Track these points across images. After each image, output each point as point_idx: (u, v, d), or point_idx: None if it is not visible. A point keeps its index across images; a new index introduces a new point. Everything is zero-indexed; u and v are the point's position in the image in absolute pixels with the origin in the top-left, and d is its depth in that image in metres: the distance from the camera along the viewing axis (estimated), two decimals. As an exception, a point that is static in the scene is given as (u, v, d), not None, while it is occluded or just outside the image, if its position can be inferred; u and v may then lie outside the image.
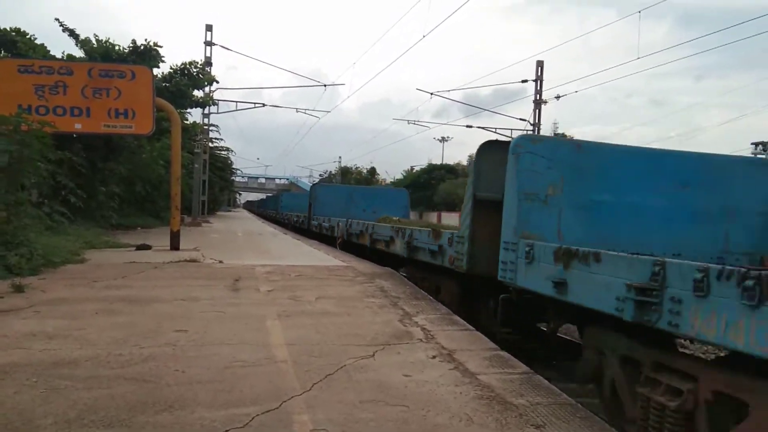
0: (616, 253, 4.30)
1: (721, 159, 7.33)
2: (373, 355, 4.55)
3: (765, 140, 47.63)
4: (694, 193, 6.41)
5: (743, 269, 3.05)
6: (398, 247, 9.95)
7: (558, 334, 6.75)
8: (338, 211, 18.20)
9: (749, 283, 2.88)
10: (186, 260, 10.36)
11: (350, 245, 14.09)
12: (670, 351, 3.92)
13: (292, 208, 30.14)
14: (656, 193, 6.39)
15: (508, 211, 6.00)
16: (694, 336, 3.36)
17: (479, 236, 6.70)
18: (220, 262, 10.46)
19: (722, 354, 4.10)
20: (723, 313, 3.07)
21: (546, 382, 4.19)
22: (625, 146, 7.14)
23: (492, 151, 6.75)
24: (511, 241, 5.74)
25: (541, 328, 7.27)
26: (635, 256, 4.09)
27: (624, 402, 4.16)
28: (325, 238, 17.43)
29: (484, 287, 6.99)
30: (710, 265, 3.31)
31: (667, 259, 3.64)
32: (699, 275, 3.27)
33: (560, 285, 4.70)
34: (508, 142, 6.41)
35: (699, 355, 5.35)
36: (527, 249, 5.36)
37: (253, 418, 3.13)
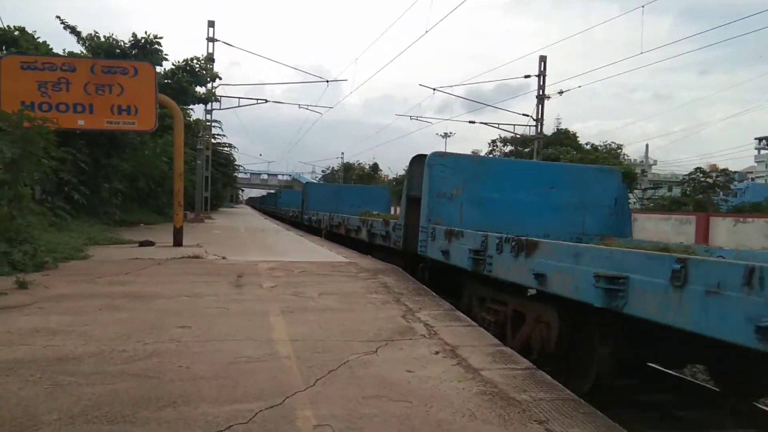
0: (471, 231, 6.95)
1: (578, 167, 11.73)
2: (376, 350, 4.56)
3: (768, 135, 47.47)
4: (558, 192, 8.97)
5: (514, 238, 5.69)
6: (363, 235, 12.69)
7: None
8: (327, 206, 20.89)
9: (514, 244, 5.57)
10: (189, 256, 10.38)
11: (332, 235, 17.05)
12: (497, 290, 6.37)
13: (289, 204, 33.81)
14: (531, 192, 8.90)
15: (424, 205, 8.59)
16: (497, 276, 6.08)
17: (410, 223, 9.16)
18: (223, 258, 10.48)
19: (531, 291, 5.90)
20: (506, 262, 5.75)
21: (549, 377, 4.19)
22: (509, 159, 14.68)
23: (419, 162, 9.06)
24: (425, 226, 8.41)
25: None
26: (477, 232, 6.73)
27: (479, 321, 6.28)
28: (313, 229, 20.33)
29: (416, 260, 9.17)
30: (503, 235, 6.03)
31: (488, 233, 6.39)
32: (497, 241, 5.96)
33: (446, 253, 7.42)
34: (428, 156, 8.93)
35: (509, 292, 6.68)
36: (431, 231, 8.12)
37: (256, 414, 3.14)
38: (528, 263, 5.30)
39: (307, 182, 37.59)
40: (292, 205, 31.17)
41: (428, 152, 8.90)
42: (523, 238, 5.63)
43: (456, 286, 7.85)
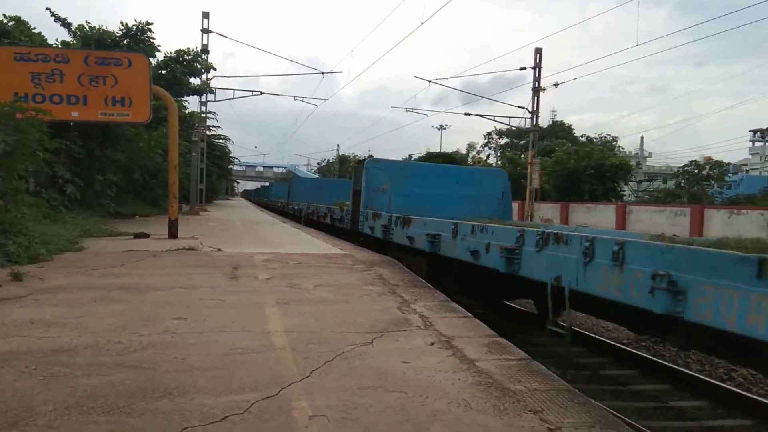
0: (385, 213, 10.64)
1: (478, 170, 18.92)
2: (372, 342, 4.57)
3: (763, 127, 47.59)
4: (463, 187, 12.49)
5: (402, 216, 9.49)
6: (328, 219, 16.90)
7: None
8: (310, 198, 24.86)
9: (401, 220, 9.47)
10: (184, 248, 10.37)
11: (309, 221, 20.90)
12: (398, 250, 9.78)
13: (279, 196, 38.91)
14: (443, 187, 12.35)
15: (363, 196, 12.16)
16: (394, 241, 9.76)
17: (354, 210, 12.82)
18: (219, 250, 10.47)
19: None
20: (398, 232, 9.57)
21: (543, 368, 4.20)
22: (428, 163, 21.63)
23: (361, 165, 13.01)
24: (363, 211, 12.10)
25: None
26: (387, 214, 10.50)
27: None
28: (296, 218, 24.38)
29: (359, 236, 12.59)
30: (394, 215, 10.00)
31: (392, 215, 10.15)
32: (395, 219, 9.78)
33: (372, 228, 11.13)
34: (365, 162, 13.08)
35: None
36: (365, 215, 11.79)
37: (252, 405, 3.15)
38: (405, 231, 9.21)
39: (292, 177, 40.81)
40: (282, 197, 35.54)
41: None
42: (406, 216, 9.40)
43: (380, 250, 10.89)
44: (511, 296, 9.55)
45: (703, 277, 3.67)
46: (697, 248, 3.91)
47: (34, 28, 16.64)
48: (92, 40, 16.49)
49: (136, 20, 17.38)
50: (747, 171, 69.24)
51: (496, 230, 6.57)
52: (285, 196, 32.54)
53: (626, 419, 5.03)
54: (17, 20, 16.38)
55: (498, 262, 6.10)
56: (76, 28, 17.23)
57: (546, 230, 5.84)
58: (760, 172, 64.36)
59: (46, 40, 16.58)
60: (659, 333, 5.75)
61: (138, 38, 16.96)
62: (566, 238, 5.22)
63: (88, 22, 17.32)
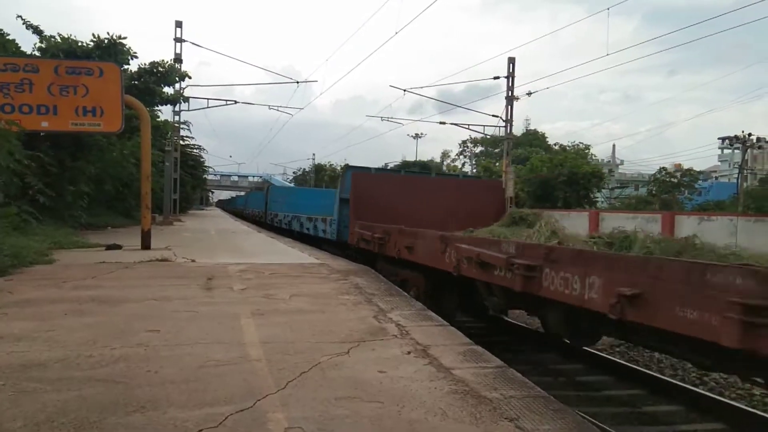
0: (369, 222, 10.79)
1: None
2: (348, 352, 4.55)
3: (731, 135, 48.64)
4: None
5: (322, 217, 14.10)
6: (311, 230, 16.34)
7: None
8: (286, 207, 25.21)
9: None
10: (157, 259, 10.25)
11: (282, 230, 21.99)
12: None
13: (255, 206, 37.89)
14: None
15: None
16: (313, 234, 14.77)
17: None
18: (193, 261, 10.37)
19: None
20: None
21: (519, 375, 4.23)
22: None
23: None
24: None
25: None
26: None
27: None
28: (273, 228, 24.60)
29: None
30: (317, 216, 15.35)
31: (313, 215, 16.02)
32: (307, 218, 16.43)
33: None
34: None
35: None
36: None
37: (227, 418, 3.11)
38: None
39: (269, 186, 39.33)
40: (258, 206, 34.10)
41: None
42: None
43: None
44: None
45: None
46: None
47: (8, 35, 16.39)
48: (61, 50, 16.26)
49: (108, 33, 17.22)
50: (716, 178, 70.65)
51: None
52: (262, 206, 31.55)
53: (601, 425, 5.08)
54: None
55: None
56: (44, 38, 16.96)
57: None
58: (729, 179, 65.64)
59: (20, 47, 16.34)
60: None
61: (110, 51, 16.76)
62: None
63: (59, 33, 17.10)
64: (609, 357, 8.11)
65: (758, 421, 5.85)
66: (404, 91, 33.66)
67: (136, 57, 17.73)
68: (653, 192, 42.03)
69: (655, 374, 7.38)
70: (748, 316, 3.05)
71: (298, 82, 31.05)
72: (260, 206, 32.70)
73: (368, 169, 14.09)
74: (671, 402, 6.49)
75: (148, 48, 27.46)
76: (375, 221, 10.52)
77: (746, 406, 6.51)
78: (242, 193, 69.21)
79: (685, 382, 7.30)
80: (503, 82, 32.22)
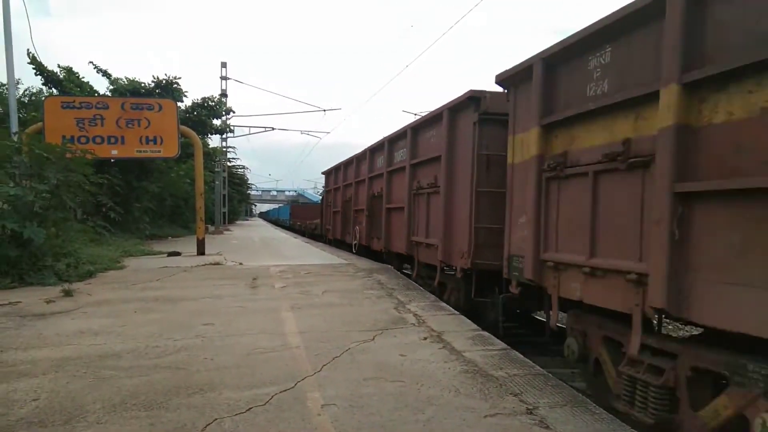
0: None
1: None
2: (373, 338, 4.54)
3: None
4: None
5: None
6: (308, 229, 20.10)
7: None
8: (305, 216, 29.36)
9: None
10: (211, 263, 10.32)
11: (302, 233, 25.89)
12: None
13: (285, 216, 45.06)
14: None
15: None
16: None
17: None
18: (240, 264, 10.42)
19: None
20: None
21: (521, 356, 4.19)
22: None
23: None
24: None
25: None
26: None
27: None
28: (297, 231, 29.48)
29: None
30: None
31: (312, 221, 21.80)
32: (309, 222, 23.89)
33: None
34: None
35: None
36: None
37: (272, 397, 3.12)
38: None
39: (291, 202, 45.88)
40: (285, 216, 45.05)
41: None
42: None
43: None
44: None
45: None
46: None
47: (83, 77, 16.69)
48: (128, 90, 16.54)
49: (166, 74, 17.50)
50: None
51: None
52: (287, 215, 41.97)
53: (594, 397, 5.00)
54: (68, 70, 16.46)
55: None
56: (112, 81, 17.25)
57: None
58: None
59: (93, 88, 16.62)
60: None
61: (168, 89, 17.01)
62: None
63: (126, 77, 17.37)
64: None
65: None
66: (415, 114, 33.63)
67: (187, 96, 17.93)
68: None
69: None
70: None
71: (324, 111, 31.09)
72: (286, 215, 43.39)
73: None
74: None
75: (198, 82, 27.68)
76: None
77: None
78: (278, 206, 70.32)
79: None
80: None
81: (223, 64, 26.97)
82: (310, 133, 34.88)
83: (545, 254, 4.42)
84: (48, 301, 6.15)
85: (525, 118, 4.78)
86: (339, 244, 15.13)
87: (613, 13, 3.63)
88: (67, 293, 6.56)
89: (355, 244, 12.41)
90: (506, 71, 5.04)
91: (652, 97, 3.29)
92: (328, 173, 16.48)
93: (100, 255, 9.92)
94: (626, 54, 3.64)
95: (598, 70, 3.90)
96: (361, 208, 11.71)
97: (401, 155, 8.96)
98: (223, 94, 25.76)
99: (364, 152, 11.67)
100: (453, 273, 6.80)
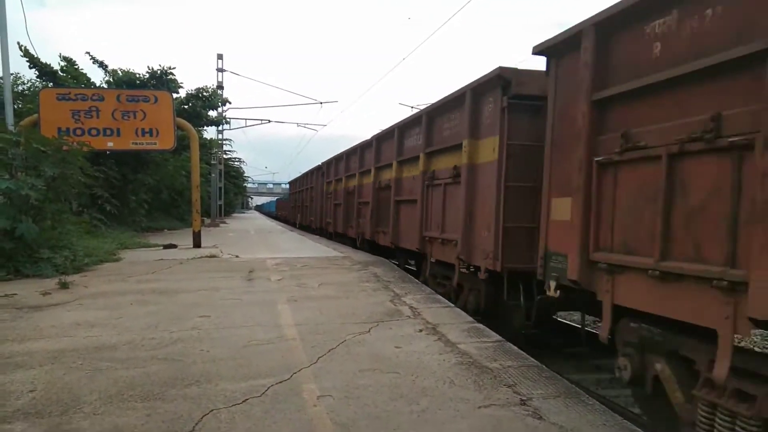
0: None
1: None
2: (369, 331, 4.56)
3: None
4: None
5: None
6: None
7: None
8: (288, 210, 31.98)
9: None
10: (207, 256, 10.32)
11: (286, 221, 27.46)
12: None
13: (279, 209, 46.35)
14: None
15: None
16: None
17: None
18: (236, 256, 10.42)
19: None
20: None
21: (515, 348, 4.21)
22: None
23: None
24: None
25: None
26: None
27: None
28: (282, 220, 31.97)
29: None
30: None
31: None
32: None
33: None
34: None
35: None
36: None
37: (268, 388, 3.14)
38: None
39: (280, 197, 46.94)
40: (272, 209, 50.88)
41: None
42: None
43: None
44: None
45: None
46: None
47: (82, 69, 16.65)
48: (122, 82, 16.47)
49: (160, 65, 17.40)
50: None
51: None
52: (274, 209, 48.30)
53: (587, 389, 5.04)
54: (69, 61, 16.43)
55: None
56: (109, 72, 17.17)
57: None
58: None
59: (90, 79, 16.56)
60: None
61: (162, 80, 16.94)
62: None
63: (120, 68, 17.28)
64: (592, 330, 8.02)
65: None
66: (411, 107, 33.63)
67: (182, 87, 17.84)
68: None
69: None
70: None
71: (321, 103, 30.98)
72: (273, 209, 50.00)
73: None
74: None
75: (193, 75, 27.58)
76: None
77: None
78: (275, 199, 70.30)
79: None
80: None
81: (220, 56, 26.84)
82: (306, 125, 34.75)
83: (596, 254, 3.67)
84: (44, 293, 6.15)
85: (570, 94, 4.05)
86: (341, 237, 14.64)
87: None
88: (64, 285, 6.56)
89: (358, 238, 11.82)
90: (548, 40, 4.27)
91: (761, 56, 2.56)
92: (327, 164, 15.86)
93: (96, 247, 9.90)
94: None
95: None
96: (366, 201, 11.00)
97: (413, 143, 8.31)
98: (220, 86, 25.65)
99: (369, 141, 11.01)
100: (471, 272, 6.10)
